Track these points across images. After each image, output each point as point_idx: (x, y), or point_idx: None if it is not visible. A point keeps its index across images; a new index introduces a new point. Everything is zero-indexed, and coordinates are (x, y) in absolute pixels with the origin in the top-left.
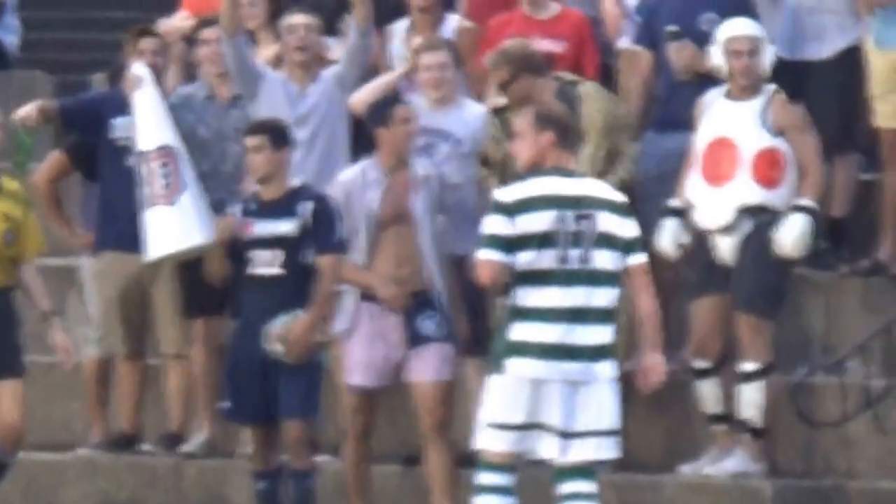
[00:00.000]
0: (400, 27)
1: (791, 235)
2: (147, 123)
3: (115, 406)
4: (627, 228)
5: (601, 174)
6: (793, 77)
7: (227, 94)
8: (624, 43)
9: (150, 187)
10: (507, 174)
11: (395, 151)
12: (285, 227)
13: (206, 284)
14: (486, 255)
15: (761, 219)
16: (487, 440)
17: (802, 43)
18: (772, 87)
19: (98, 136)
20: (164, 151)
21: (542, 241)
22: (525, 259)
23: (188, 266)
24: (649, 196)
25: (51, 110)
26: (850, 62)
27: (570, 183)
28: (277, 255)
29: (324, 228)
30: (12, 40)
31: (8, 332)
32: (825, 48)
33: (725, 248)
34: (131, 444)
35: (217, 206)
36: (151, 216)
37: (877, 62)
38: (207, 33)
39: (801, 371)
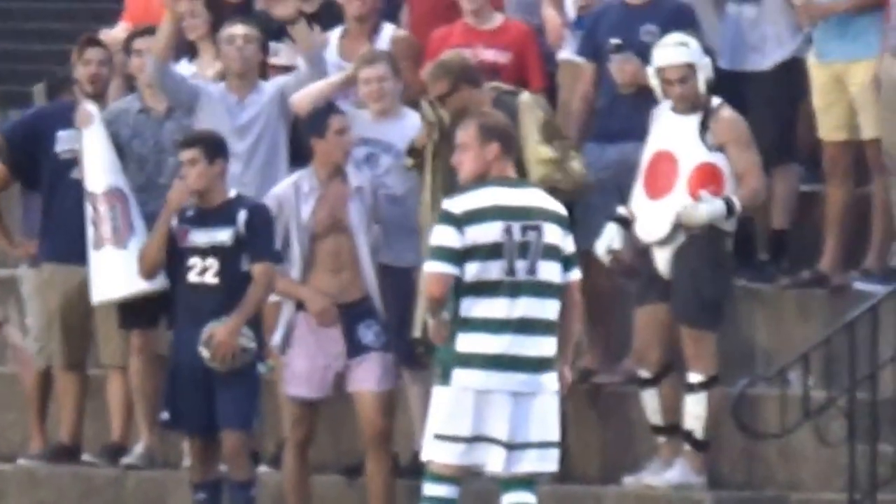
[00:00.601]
0: (334, 35)
1: (699, 209)
2: (96, 165)
3: (56, 417)
4: (568, 242)
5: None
6: (735, 88)
7: (161, 105)
8: (565, 54)
9: (98, 229)
10: (435, 165)
11: (330, 162)
12: (222, 235)
13: (143, 295)
14: (436, 268)
15: (694, 231)
16: (434, 452)
17: (744, 54)
18: (717, 100)
19: (42, 150)
20: (113, 194)
21: (489, 252)
22: (472, 270)
23: None
24: (589, 207)
25: None
26: (790, 74)
27: (516, 193)
28: (214, 264)
29: (259, 237)
30: None
31: None
32: (766, 60)
33: (662, 260)
34: (72, 456)
35: (152, 217)
36: (99, 258)
37: (818, 75)
38: (140, 43)
39: (742, 382)
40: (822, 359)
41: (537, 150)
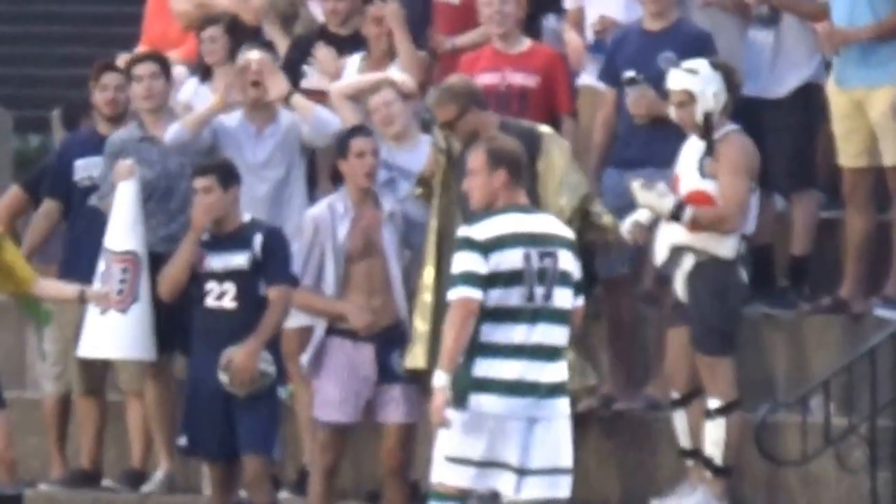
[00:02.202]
0: (353, 60)
1: (643, 193)
2: (120, 223)
3: (76, 443)
4: (577, 268)
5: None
6: (754, 114)
7: (162, 132)
8: (585, 80)
9: (104, 286)
10: (446, 194)
11: (354, 184)
12: (238, 260)
13: (157, 321)
14: (464, 293)
15: (699, 258)
16: (445, 474)
17: (763, 80)
18: (729, 128)
19: (65, 182)
20: (128, 258)
21: (509, 278)
22: (494, 297)
23: None
24: None
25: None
26: (807, 99)
27: (531, 220)
28: (231, 289)
29: (274, 260)
30: None
31: None
32: (783, 86)
33: (679, 284)
34: (92, 481)
35: (166, 240)
36: (96, 314)
37: (839, 101)
38: (141, 69)
39: (763, 409)
40: (843, 385)
41: (559, 205)
